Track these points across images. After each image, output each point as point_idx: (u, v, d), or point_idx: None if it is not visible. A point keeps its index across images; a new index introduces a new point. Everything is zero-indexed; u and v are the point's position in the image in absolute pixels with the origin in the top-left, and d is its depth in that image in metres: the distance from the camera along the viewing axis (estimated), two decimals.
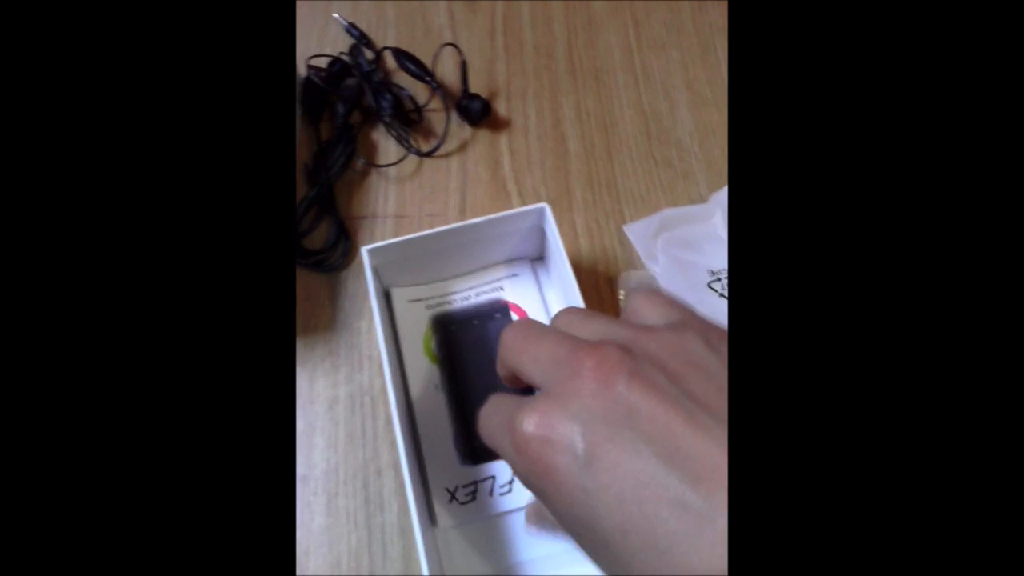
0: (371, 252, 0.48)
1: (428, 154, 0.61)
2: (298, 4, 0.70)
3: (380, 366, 0.50)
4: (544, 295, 0.53)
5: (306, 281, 0.55)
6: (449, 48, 0.66)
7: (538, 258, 0.55)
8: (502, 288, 0.53)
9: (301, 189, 0.59)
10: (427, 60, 0.65)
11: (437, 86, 0.63)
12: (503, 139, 0.62)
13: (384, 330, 0.46)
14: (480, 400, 0.31)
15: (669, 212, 0.55)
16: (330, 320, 0.53)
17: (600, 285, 0.54)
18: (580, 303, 0.45)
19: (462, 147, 0.62)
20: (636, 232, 0.55)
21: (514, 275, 0.53)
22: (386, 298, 0.53)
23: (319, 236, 0.57)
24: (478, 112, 0.62)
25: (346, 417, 0.50)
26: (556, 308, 0.53)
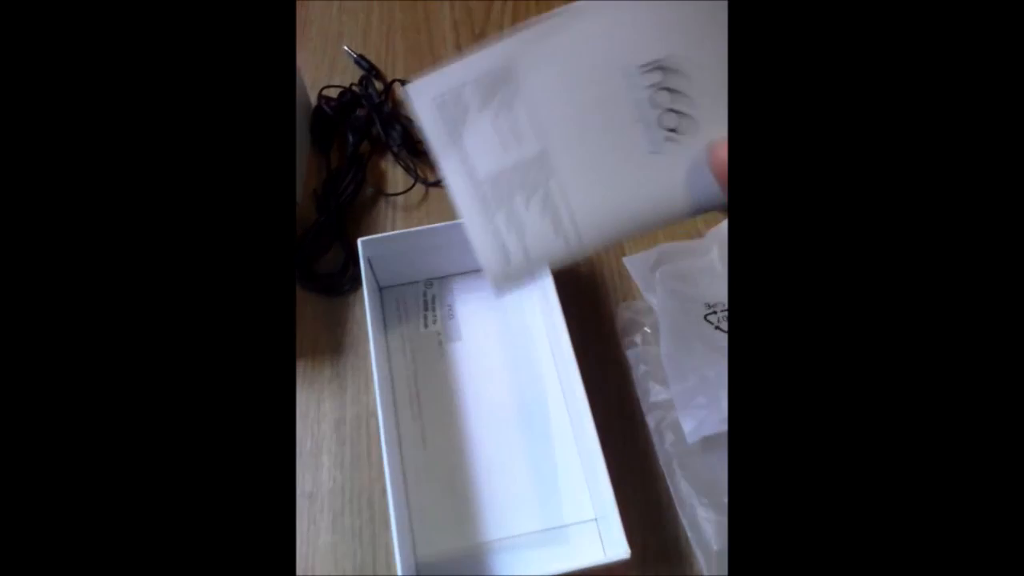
0: (365, 244, 0.50)
1: (435, 184, 0.63)
2: (310, 36, 0.72)
3: (374, 385, 0.51)
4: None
5: (315, 305, 0.57)
6: None
7: None
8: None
9: (311, 215, 0.60)
10: None
11: None
12: None
13: (376, 330, 0.48)
14: None
15: (667, 246, 0.58)
16: (338, 343, 0.55)
17: (601, 316, 0.56)
18: (557, 308, 0.48)
19: None
20: (635, 264, 0.57)
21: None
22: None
23: (329, 261, 0.59)
24: None
25: (352, 437, 0.51)
26: (539, 312, 0.56)
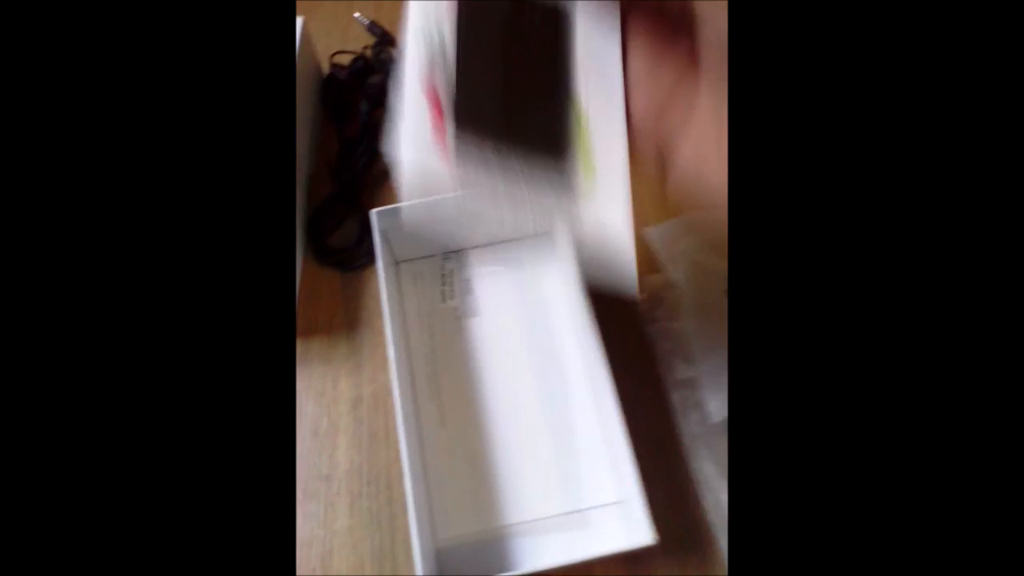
0: (380, 215, 0.49)
1: None
2: (320, 3, 0.70)
3: (390, 363, 0.50)
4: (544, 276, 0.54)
5: (330, 280, 0.56)
6: None
7: (544, 233, 0.55)
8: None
9: (325, 187, 0.59)
10: None
11: None
12: None
13: (391, 305, 0.47)
14: None
15: (692, 217, 0.55)
16: (354, 319, 0.54)
17: None
18: (580, 292, 0.46)
19: None
20: (658, 235, 0.55)
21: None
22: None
23: (344, 235, 0.57)
24: None
25: (370, 417, 0.50)
26: (559, 287, 0.54)
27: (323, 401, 0.51)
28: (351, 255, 0.56)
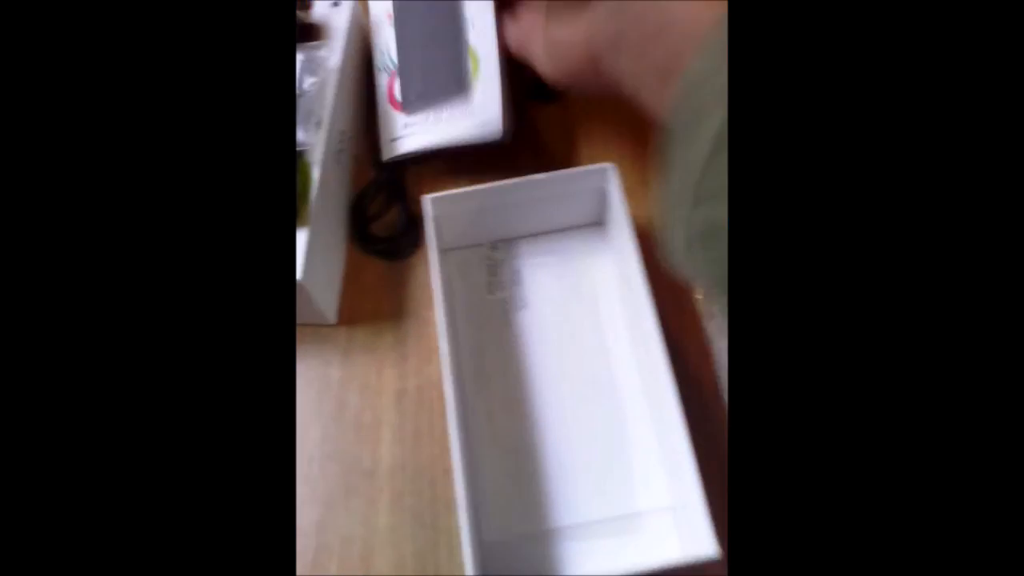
0: (434, 201, 0.47)
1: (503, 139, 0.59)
2: None
3: (442, 355, 0.48)
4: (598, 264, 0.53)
5: (375, 268, 0.54)
6: None
7: (596, 223, 0.54)
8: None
9: (369, 174, 0.57)
10: None
11: None
12: (580, 119, 0.59)
13: (442, 293, 0.45)
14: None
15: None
16: (399, 309, 0.52)
17: (678, 284, 0.51)
18: (641, 275, 0.44)
19: (532, 126, 0.59)
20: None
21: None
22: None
23: (389, 223, 0.56)
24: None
25: (414, 411, 0.48)
26: (613, 279, 0.52)
27: (367, 393, 0.49)
28: (396, 244, 0.54)
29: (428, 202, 0.47)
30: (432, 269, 0.46)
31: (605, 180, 0.48)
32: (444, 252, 0.53)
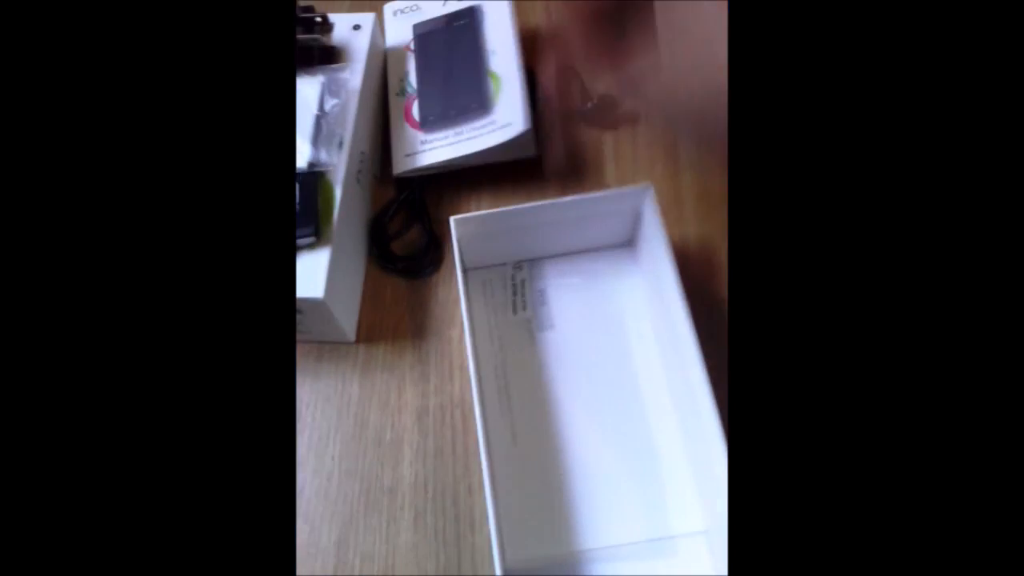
0: (458, 223, 0.47)
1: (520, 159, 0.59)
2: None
3: (471, 379, 0.48)
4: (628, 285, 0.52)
5: (395, 287, 0.54)
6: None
7: (626, 243, 0.53)
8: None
9: (389, 192, 0.57)
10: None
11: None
12: (608, 140, 0.59)
13: (469, 315, 0.45)
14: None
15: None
16: (420, 327, 0.52)
17: (712, 300, 0.51)
18: (679, 296, 0.43)
19: (562, 149, 0.59)
20: None
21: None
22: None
23: (409, 242, 0.56)
24: (604, 109, 0.60)
25: (436, 429, 0.48)
26: (642, 300, 0.52)
27: (388, 410, 0.49)
28: (416, 263, 0.55)
29: (453, 223, 0.47)
30: (459, 289, 0.46)
31: (642, 200, 0.48)
32: (467, 271, 0.53)
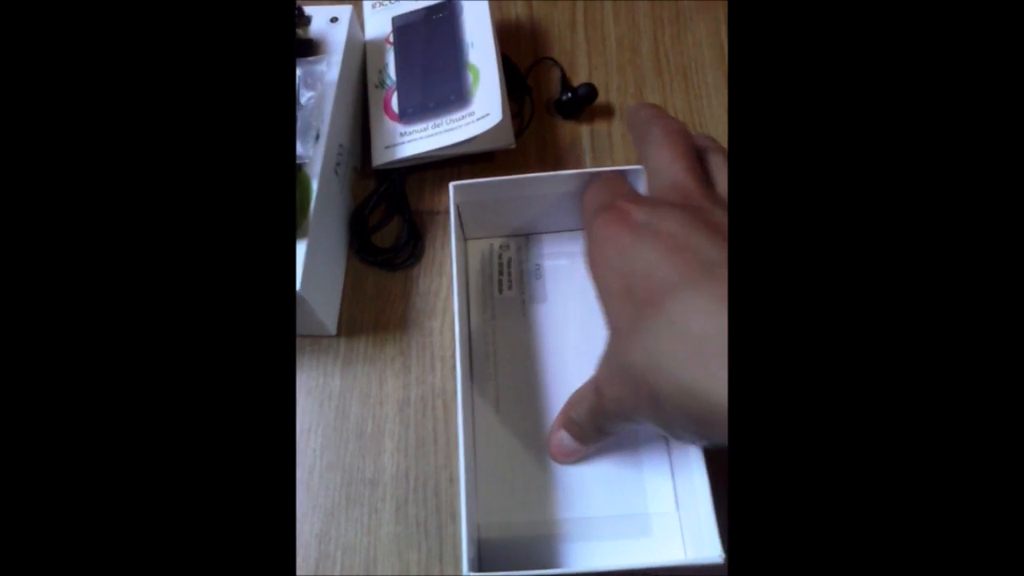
0: (457, 188, 0.47)
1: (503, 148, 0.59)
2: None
3: (453, 368, 0.48)
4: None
5: (376, 278, 0.54)
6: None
7: None
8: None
9: (371, 185, 0.57)
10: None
11: (528, 89, 0.62)
12: (584, 133, 0.60)
13: (460, 283, 0.45)
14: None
15: None
16: (400, 318, 0.52)
17: None
18: None
19: (540, 141, 0.60)
20: None
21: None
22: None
23: (389, 234, 0.56)
24: (584, 98, 0.60)
25: (417, 420, 0.48)
26: None
27: (369, 402, 0.49)
28: (396, 255, 0.54)
29: (453, 188, 0.46)
30: (452, 257, 0.46)
31: (636, 181, 0.48)
32: (466, 240, 0.53)
